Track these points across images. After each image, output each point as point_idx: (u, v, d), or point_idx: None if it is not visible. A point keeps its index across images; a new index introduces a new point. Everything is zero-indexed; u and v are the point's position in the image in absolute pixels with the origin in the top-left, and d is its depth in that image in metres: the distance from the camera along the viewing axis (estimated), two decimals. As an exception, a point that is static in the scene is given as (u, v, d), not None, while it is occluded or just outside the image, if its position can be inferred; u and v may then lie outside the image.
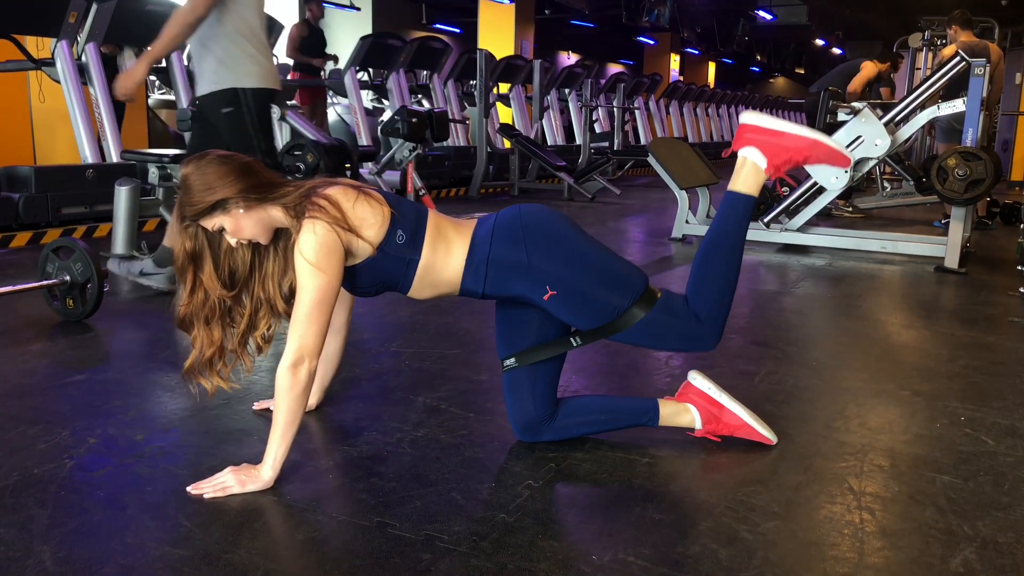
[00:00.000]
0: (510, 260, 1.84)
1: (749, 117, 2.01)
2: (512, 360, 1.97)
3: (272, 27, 7.08)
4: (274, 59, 3.52)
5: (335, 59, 8.84)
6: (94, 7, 5.64)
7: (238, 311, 1.87)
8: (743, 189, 1.98)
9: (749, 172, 1.98)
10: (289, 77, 9.22)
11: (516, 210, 1.92)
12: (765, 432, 2.03)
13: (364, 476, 1.84)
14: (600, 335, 1.92)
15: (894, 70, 10.70)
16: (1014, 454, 2.03)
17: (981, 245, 5.60)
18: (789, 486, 1.83)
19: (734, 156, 2.04)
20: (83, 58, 5.71)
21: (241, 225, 1.76)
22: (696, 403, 2.04)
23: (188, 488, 1.73)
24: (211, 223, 1.76)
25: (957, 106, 4.79)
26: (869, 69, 7.49)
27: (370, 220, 1.79)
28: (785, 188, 6.80)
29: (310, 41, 8.46)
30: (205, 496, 1.71)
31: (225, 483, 1.73)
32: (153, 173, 4.59)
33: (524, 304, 1.94)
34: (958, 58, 4.85)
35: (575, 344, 1.96)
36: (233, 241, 1.78)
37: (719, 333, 1.96)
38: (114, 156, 5.73)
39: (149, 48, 3.24)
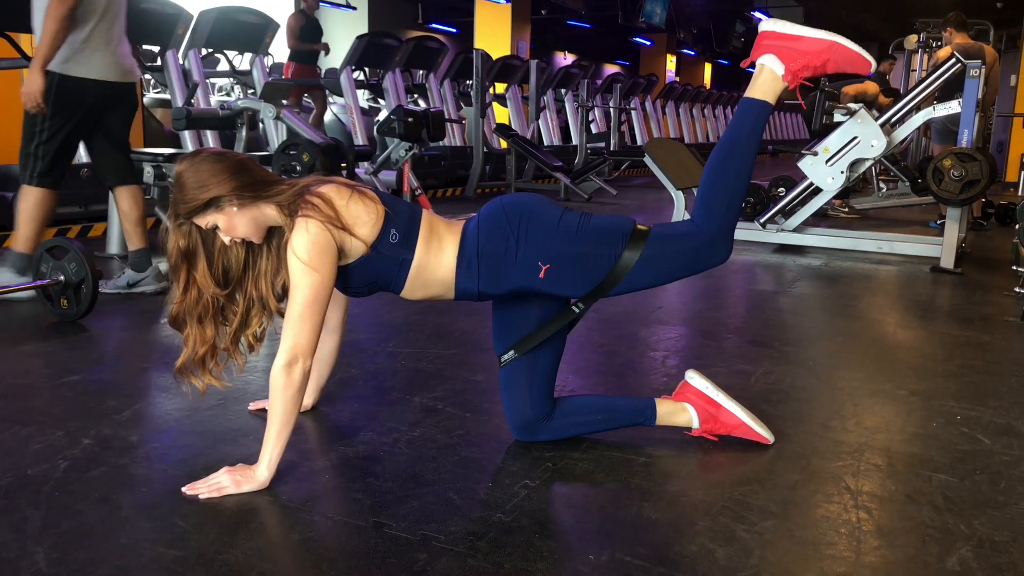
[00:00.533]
0: (500, 249, 1.84)
1: (768, 24, 1.94)
2: (511, 352, 1.96)
3: (267, 26, 7.07)
4: (123, 50, 3.49)
5: (327, 49, 8.84)
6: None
7: (231, 309, 1.86)
8: (759, 95, 1.92)
9: (766, 79, 1.92)
10: (283, 75, 9.22)
11: (497, 201, 1.92)
12: (762, 431, 2.03)
13: (360, 476, 1.83)
14: (602, 292, 1.88)
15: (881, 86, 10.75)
16: (1010, 453, 2.04)
17: (976, 246, 5.61)
18: (786, 485, 1.83)
19: (753, 64, 1.96)
20: (78, 57, 5.68)
21: (235, 223, 1.75)
22: (693, 402, 2.03)
23: (183, 488, 1.72)
24: (205, 221, 1.75)
25: (952, 107, 4.80)
26: (872, 88, 7.25)
27: (364, 218, 1.78)
28: (780, 189, 6.82)
29: (307, 30, 8.47)
30: (200, 496, 1.70)
31: (220, 483, 1.72)
32: (148, 172, 4.59)
33: (521, 300, 1.93)
34: (953, 60, 4.86)
35: (578, 311, 1.93)
36: (227, 239, 1.78)
37: (729, 242, 1.90)
38: (109, 156, 5.70)
39: (35, 54, 3.20)
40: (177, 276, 1.81)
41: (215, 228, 1.77)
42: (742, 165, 1.91)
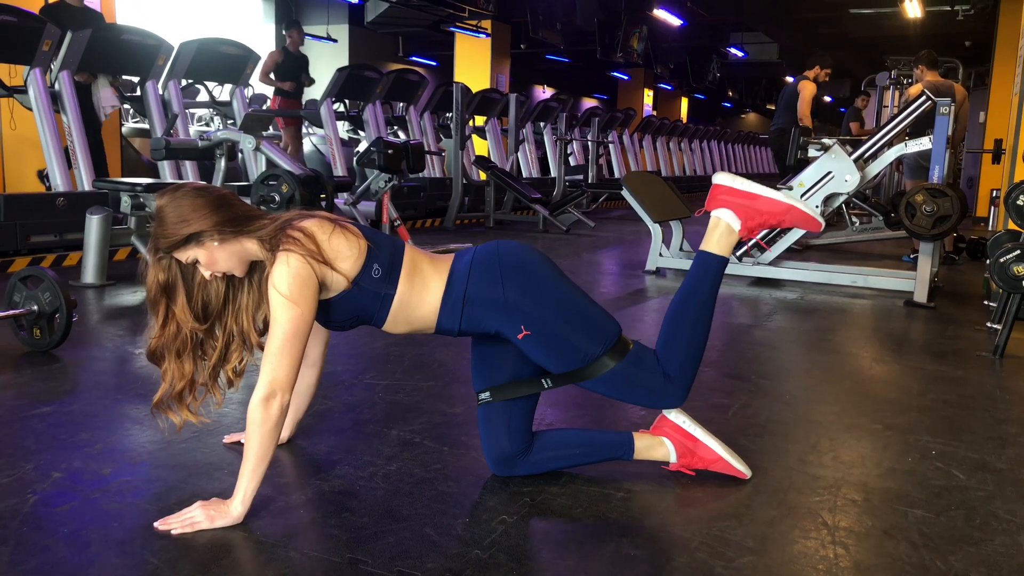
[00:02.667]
0: (487, 297, 1.84)
1: (723, 178, 2.04)
2: (487, 394, 1.96)
3: (247, 58, 7.10)
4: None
5: (311, 81, 8.86)
6: (68, 36, 5.62)
7: (210, 344, 1.85)
8: (716, 250, 2.00)
9: (723, 233, 2.01)
10: (267, 106, 9.23)
11: (495, 247, 1.92)
12: (739, 466, 2.03)
13: (336, 511, 1.81)
14: (570, 380, 1.92)
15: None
16: (985, 488, 2.05)
17: (948, 280, 5.69)
18: (764, 520, 1.83)
19: (707, 214, 2.06)
20: (56, 86, 5.67)
21: (215, 258, 1.74)
22: (671, 436, 2.04)
23: (155, 524, 1.70)
24: (185, 256, 1.74)
25: (924, 143, 4.90)
26: (808, 88, 7.33)
27: (345, 253, 1.78)
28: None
29: (285, 67, 8.50)
30: (173, 532, 1.67)
31: (194, 518, 1.70)
32: (125, 202, 4.57)
33: (500, 339, 1.93)
34: (924, 97, 4.97)
35: (546, 386, 1.95)
36: (207, 274, 1.77)
37: (685, 392, 1.97)
38: (86, 184, 5.68)
39: None
40: (156, 310, 1.80)
41: (195, 263, 1.76)
42: (701, 316, 1.98)
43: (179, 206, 1.71)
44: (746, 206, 2.00)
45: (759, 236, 2.07)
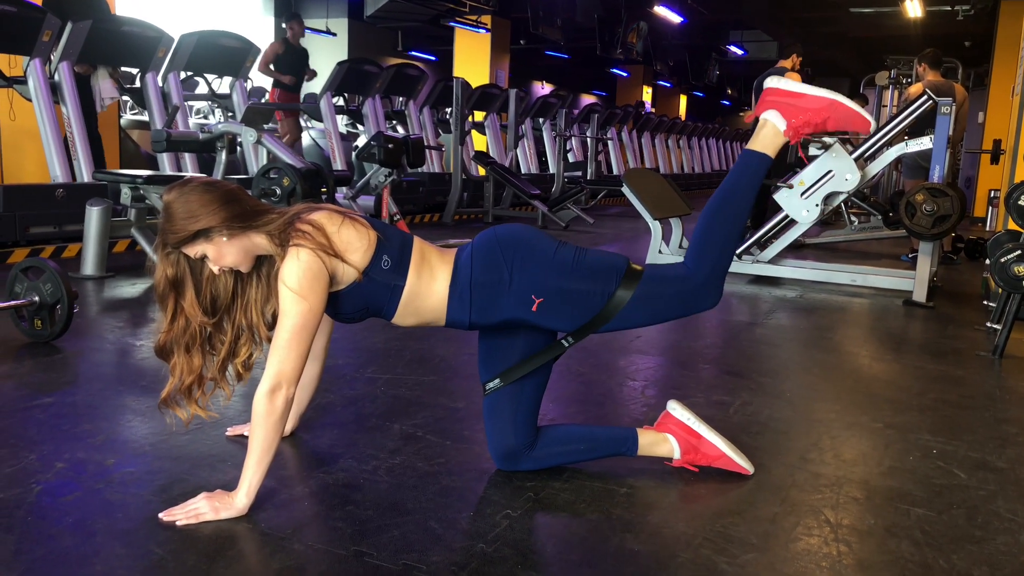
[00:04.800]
0: (492, 280, 1.84)
1: (772, 81, 2.00)
2: (496, 381, 1.95)
3: (248, 51, 7.08)
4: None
5: (314, 73, 8.83)
6: (69, 26, 5.60)
7: (218, 338, 1.85)
8: (760, 148, 1.97)
9: (768, 132, 1.97)
10: (266, 98, 9.21)
11: (491, 231, 1.93)
12: (742, 462, 2.04)
13: (340, 504, 1.81)
14: (592, 328, 1.89)
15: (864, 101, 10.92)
16: (986, 487, 2.06)
17: (947, 280, 5.71)
18: (766, 517, 1.84)
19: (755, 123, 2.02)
20: (56, 77, 5.66)
21: (224, 253, 1.74)
22: (675, 433, 2.04)
23: (160, 515, 1.70)
24: (194, 251, 1.74)
25: (924, 143, 4.90)
26: (795, 78, 7.25)
27: (356, 244, 1.78)
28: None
29: (286, 59, 8.46)
30: (178, 523, 1.67)
31: (198, 510, 1.70)
32: (125, 194, 4.56)
33: (508, 328, 1.93)
34: (925, 96, 4.97)
35: (567, 344, 1.94)
36: (215, 269, 1.77)
37: (719, 291, 1.93)
38: (85, 176, 5.67)
39: None
40: (164, 305, 1.80)
41: (204, 258, 1.76)
42: (738, 213, 1.95)
43: (187, 202, 1.71)
44: (792, 104, 1.95)
45: (805, 135, 2.01)
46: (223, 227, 1.71)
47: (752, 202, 1.98)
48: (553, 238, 1.94)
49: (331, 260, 1.74)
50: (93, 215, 4.47)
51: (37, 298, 3.01)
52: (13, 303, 3.03)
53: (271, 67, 8.37)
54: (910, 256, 6.30)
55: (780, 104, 1.97)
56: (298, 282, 1.70)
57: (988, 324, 3.97)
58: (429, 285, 1.85)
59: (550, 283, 1.84)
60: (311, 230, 1.73)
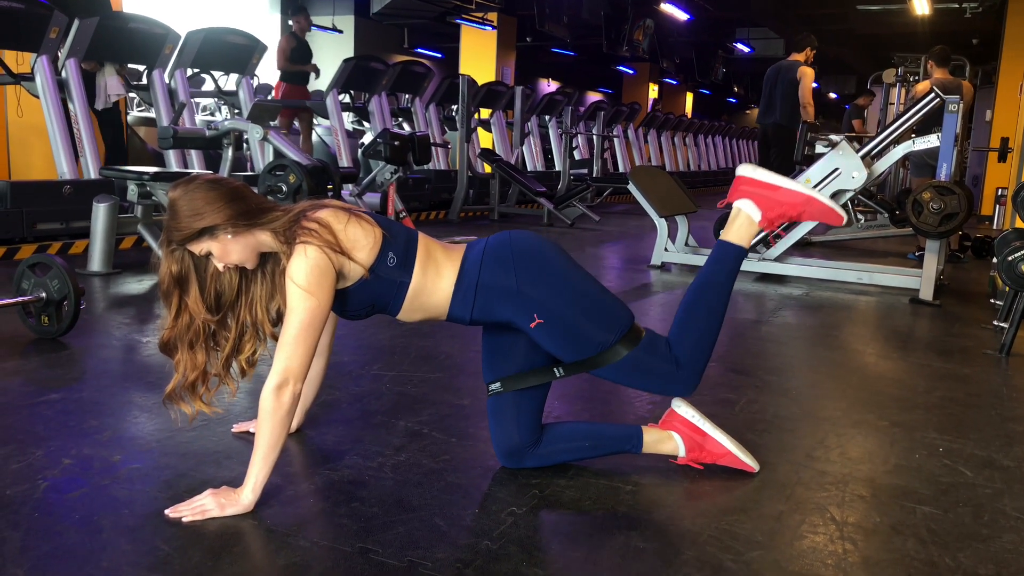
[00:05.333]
0: (499, 286, 1.84)
1: (746, 170, 2.04)
2: (498, 384, 1.96)
3: (254, 48, 7.09)
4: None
5: (317, 71, 8.86)
6: (76, 23, 5.61)
7: (223, 335, 1.85)
8: (735, 240, 2.00)
9: (743, 224, 2.00)
10: (272, 96, 9.22)
11: (507, 236, 1.92)
12: (748, 460, 2.04)
13: (346, 501, 1.81)
14: (583, 368, 1.92)
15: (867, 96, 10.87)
16: (992, 486, 2.05)
17: (954, 278, 5.69)
18: (772, 515, 1.83)
19: (729, 205, 2.05)
20: (63, 73, 5.67)
21: (229, 250, 1.74)
22: (680, 431, 2.04)
23: (166, 511, 1.70)
24: (199, 248, 1.74)
25: (931, 141, 4.89)
26: (809, 75, 6.97)
27: (362, 242, 1.78)
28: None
29: (297, 52, 8.49)
30: (183, 519, 1.68)
31: (204, 506, 1.70)
32: (132, 191, 4.57)
33: (511, 329, 1.93)
34: (932, 94, 4.95)
35: (558, 375, 1.95)
36: (220, 266, 1.77)
37: (696, 380, 1.97)
38: (92, 172, 5.68)
39: None
40: (169, 302, 1.80)
41: (208, 255, 1.76)
42: (715, 305, 1.98)
43: (193, 199, 1.71)
44: (767, 196, 1.99)
45: (779, 227, 2.04)
46: (228, 224, 1.71)
47: (729, 294, 2.00)
48: (566, 255, 1.94)
49: (338, 257, 1.74)
50: (100, 211, 4.48)
51: (44, 294, 3.02)
52: (20, 299, 3.04)
53: (289, 62, 8.39)
54: (917, 254, 6.28)
55: (755, 195, 2.00)
56: (306, 279, 1.70)
57: (995, 322, 3.96)
58: (435, 282, 1.85)
59: (555, 310, 1.84)
60: (318, 227, 1.73)
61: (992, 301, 4.57)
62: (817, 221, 2.03)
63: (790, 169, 5.85)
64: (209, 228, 1.71)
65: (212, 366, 1.84)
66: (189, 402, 1.84)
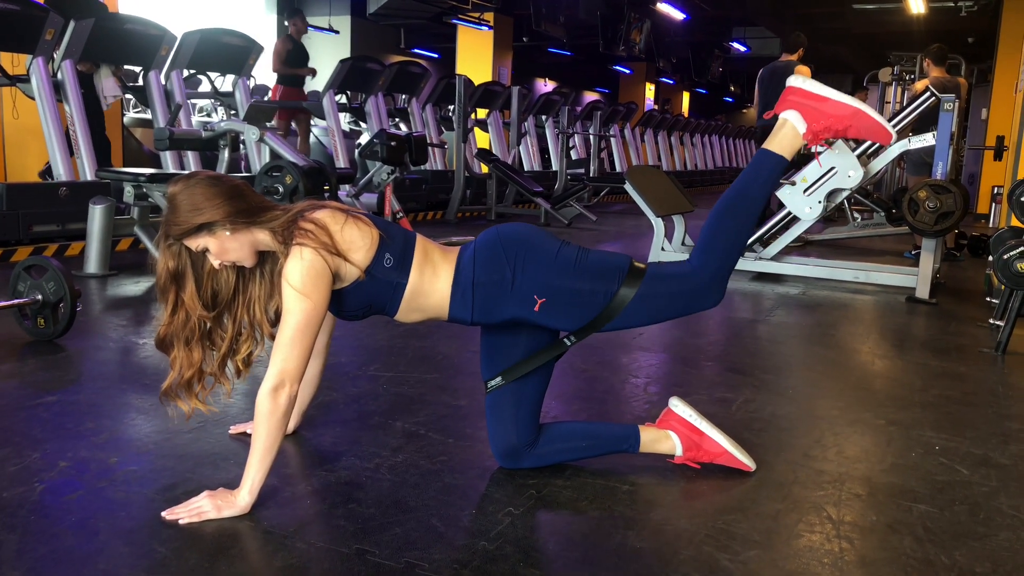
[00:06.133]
0: (495, 279, 1.84)
1: (796, 80, 1.96)
2: (498, 379, 1.96)
3: (250, 49, 7.09)
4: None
5: (314, 72, 8.85)
6: (72, 25, 5.61)
7: (219, 333, 1.85)
8: (776, 149, 1.94)
9: (786, 134, 1.94)
10: (268, 96, 9.21)
11: (494, 231, 1.93)
12: (744, 459, 2.04)
13: (343, 502, 1.81)
14: (595, 327, 1.89)
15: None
16: (988, 484, 2.06)
17: (950, 276, 5.70)
18: (768, 514, 1.84)
19: (776, 117, 1.99)
20: (59, 75, 5.66)
21: (226, 247, 1.74)
22: (677, 430, 2.04)
23: (163, 513, 1.70)
24: (195, 243, 1.74)
25: (928, 140, 4.89)
26: (807, 72, 6.90)
27: (358, 243, 1.78)
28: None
29: (294, 55, 8.48)
30: (180, 522, 1.68)
31: (201, 508, 1.70)
32: (128, 192, 4.56)
33: (511, 326, 1.93)
34: (928, 93, 4.96)
35: (570, 343, 1.94)
36: (216, 263, 1.77)
37: (723, 287, 1.92)
38: (88, 174, 5.67)
39: None
40: (165, 298, 1.80)
41: (205, 251, 1.76)
42: (748, 213, 1.94)
43: (192, 194, 1.71)
44: (814, 108, 1.92)
45: (823, 141, 1.96)
46: (227, 221, 1.71)
47: (764, 203, 1.97)
48: (555, 237, 1.94)
49: (333, 259, 1.74)
50: (96, 213, 4.48)
51: (40, 297, 3.02)
52: (16, 302, 3.04)
53: (285, 65, 8.38)
54: (913, 253, 6.29)
55: (802, 106, 1.93)
56: (301, 280, 1.70)
57: (991, 321, 3.97)
58: (432, 283, 1.85)
59: (553, 283, 1.83)
60: (314, 229, 1.73)
61: (988, 299, 4.58)
62: (865, 139, 1.95)
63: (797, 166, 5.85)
64: (207, 224, 1.71)
65: (208, 364, 1.84)
66: (185, 400, 1.83)
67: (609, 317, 1.87)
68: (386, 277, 1.81)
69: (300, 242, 1.72)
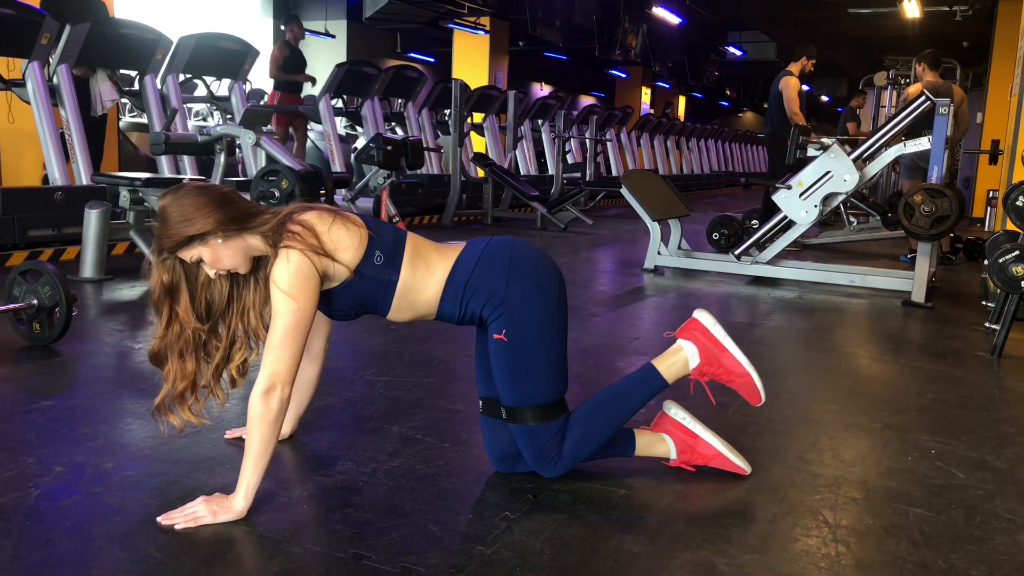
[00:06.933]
0: (488, 286, 1.84)
1: (705, 317, 2.05)
2: (481, 404, 2.00)
3: (247, 53, 7.09)
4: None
5: (313, 80, 8.84)
6: (67, 29, 5.60)
7: (213, 344, 1.85)
8: (664, 372, 2.00)
9: (677, 362, 2.01)
10: (265, 101, 9.21)
11: (511, 240, 1.92)
12: (739, 462, 2.04)
13: (339, 506, 1.81)
14: (513, 418, 1.90)
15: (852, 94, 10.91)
16: (984, 487, 2.06)
17: (946, 280, 5.71)
18: (765, 518, 1.84)
19: (673, 339, 2.07)
20: (55, 79, 5.66)
21: (220, 256, 1.74)
22: (671, 433, 2.04)
23: (158, 518, 1.70)
24: (189, 254, 1.74)
25: (922, 144, 4.91)
26: (792, 85, 7.04)
27: (346, 242, 1.79)
28: (754, 222, 6.90)
29: (291, 61, 8.47)
30: (176, 527, 1.67)
31: (197, 513, 1.70)
32: (124, 196, 4.56)
33: None
34: (923, 97, 4.98)
35: (503, 417, 1.94)
36: (212, 272, 1.77)
37: (566, 469, 1.95)
38: (84, 178, 5.66)
39: None
40: (159, 311, 1.80)
41: (200, 261, 1.76)
42: (618, 416, 1.97)
43: (182, 206, 1.71)
44: (712, 353, 2.01)
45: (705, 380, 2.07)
46: (218, 229, 1.71)
47: (633, 413, 1.99)
48: (562, 290, 1.93)
49: (321, 260, 1.75)
50: (92, 218, 4.47)
51: (36, 301, 3.01)
52: (12, 306, 3.03)
53: (281, 71, 8.37)
54: (909, 256, 6.30)
55: (704, 346, 2.01)
56: (288, 283, 1.71)
57: (987, 324, 3.98)
58: (424, 279, 1.86)
59: (523, 335, 1.84)
60: (301, 230, 1.74)
61: (984, 303, 4.58)
62: (741, 395, 2.06)
63: (781, 173, 5.86)
64: (200, 234, 1.71)
65: (201, 376, 1.84)
66: (177, 413, 1.84)
67: (519, 419, 1.89)
68: (376, 275, 1.82)
69: (287, 244, 1.72)
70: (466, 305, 1.86)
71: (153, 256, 1.78)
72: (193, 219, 1.70)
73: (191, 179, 4.84)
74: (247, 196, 4.69)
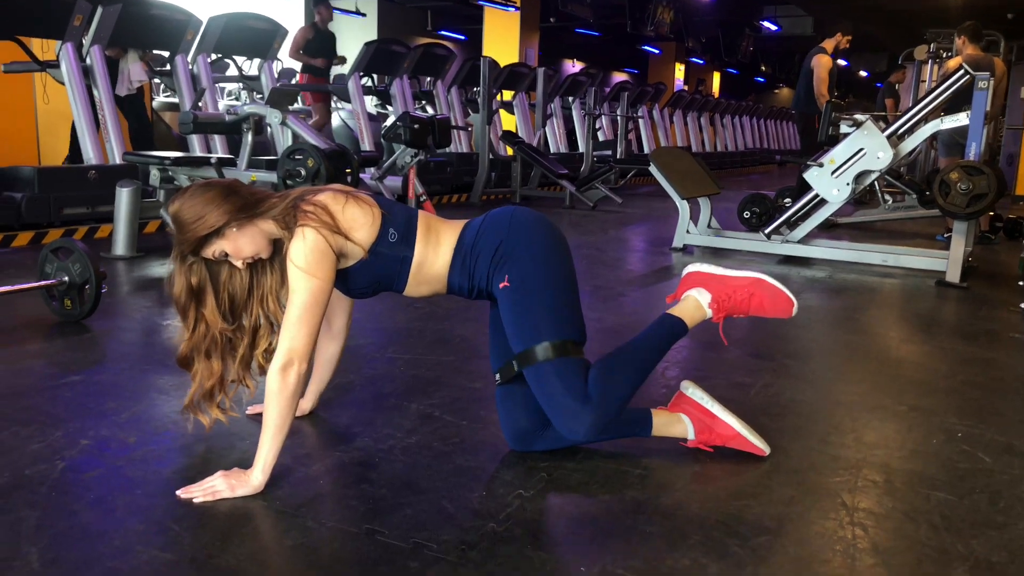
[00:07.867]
0: (491, 245, 1.87)
1: (694, 266, 2.06)
2: (497, 376, 1.99)
3: (276, 33, 7.10)
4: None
5: (342, 60, 8.84)
6: (99, 10, 5.66)
7: (239, 337, 1.90)
8: (679, 314, 1.99)
9: (690, 305, 2.01)
10: (295, 80, 9.24)
11: (510, 208, 1.96)
12: (758, 443, 2.02)
13: (355, 482, 1.83)
14: (523, 362, 1.86)
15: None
16: (1010, 472, 2.02)
17: (983, 259, 5.59)
18: (781, 500, 1.82)
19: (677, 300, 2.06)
20: (88, 60, 5.72)
21: (240, 245, 1.78)
22: (689, 413, 2.03)
23: (178, 492, 1.73)
24: (211, 251, 1.78)
25: (960, 120, 4.78)
26: (823, 64, 6.96)
27: (361, 221, 1.81)
28: (787, 200, 6.80)
29: (315, 44, 8.46)
30: (195, 500, 1.70)
31: (215, 487, 1.73)
32: (155, 175, 4.62)
33: None
34: (962, 71, 4.85)
35: (515, 369, 1.89)
36: (239, 263, 1.81)
37: (595, 428, 1.81)
38: (117, 157, 5.74)
39: None
40: (186, 315, 1.85)
41: (224, 255, 1.79)
42: (644, 367, 1.93)
43: (192, 206, 1.75)
44: (715, 282, 2.01)
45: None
46: (232, 220, 1.76)
47: (653, 365, 1.96)
48: (562, 245, 1.93)
49: (336, 238, 1.78)
50: (123, 196, 4.54)
51: (67, 278, 3.07)
52: (43, 283, 3.09)
53: (300, 52, 8.38)
54: (945, 236, 6.17)
55: (704, 282, 2.01)
56: (305, 260, 1.73)
57: (1023, 305, 3.89)
58: (435, 251, 1.89)
59: (525, 278, 1.84)
60: (316, 210, 1.77)
61: (1021, 283, 4.48)
62: (767, 314, 2.00)
63: (813, 152, 5.76)
64: (216, 228, 1.75)
65: (229, 372, 1.89)
66: (206, 411, 1.89)
67: (529, 360, 1.84)
68: (392, 252, 1.85)
69: (303, 223, 1.75)
70: (472, 269, 1.88)
71: (175, 263, 1.82)
72: (205, 216, 1.74)
73: (216, 157, 4.89)
74: (274, 174, 4.72)
